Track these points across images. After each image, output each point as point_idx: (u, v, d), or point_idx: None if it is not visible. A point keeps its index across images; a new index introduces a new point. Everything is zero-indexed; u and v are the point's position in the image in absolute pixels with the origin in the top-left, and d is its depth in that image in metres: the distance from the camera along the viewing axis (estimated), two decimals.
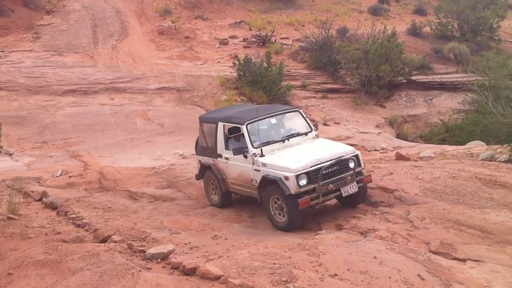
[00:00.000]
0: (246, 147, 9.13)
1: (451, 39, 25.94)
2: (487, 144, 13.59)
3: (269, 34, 24.13)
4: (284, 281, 6.00)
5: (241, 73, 19.00)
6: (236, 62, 19.22)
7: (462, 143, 15.69)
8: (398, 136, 18.38)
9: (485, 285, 6.29)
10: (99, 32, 23.67)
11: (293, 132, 9.70)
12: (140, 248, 7.01)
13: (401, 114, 20.37)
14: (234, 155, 9.26)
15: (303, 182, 8.50)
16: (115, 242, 7.40)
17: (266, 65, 18.73)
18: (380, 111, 19.96)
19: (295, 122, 9.95)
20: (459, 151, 12.91)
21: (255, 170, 9.04)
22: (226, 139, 9.83)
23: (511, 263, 6.80)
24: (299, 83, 20.37)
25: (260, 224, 9.03)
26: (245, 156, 9.14)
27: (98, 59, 20.84)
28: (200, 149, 10.49)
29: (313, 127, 9.87)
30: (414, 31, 26.29)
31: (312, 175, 8.57)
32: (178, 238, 8.00)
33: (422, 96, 21.60)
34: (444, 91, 22.21)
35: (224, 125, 9.82)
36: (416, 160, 11.91)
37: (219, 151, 9.81)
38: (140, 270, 6.26)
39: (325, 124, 16.80)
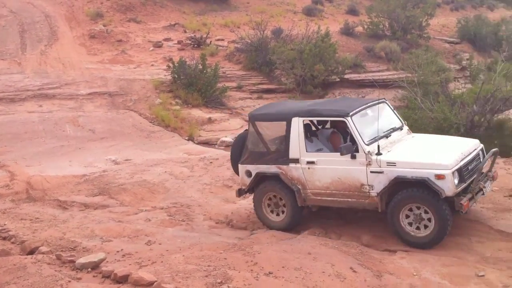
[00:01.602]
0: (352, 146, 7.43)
1: (382, 38, 26.62)
2: None
3: (204, 36, 24.00)
4: (219, 283, 5.96)
5: (176, 76, 18.77)
6: (171, 64, 18.99)
7: None
8: None
9: (414, 273, 6.45)
10: (27, 38, 22.79)
11: (392, 126, 8.08)
12: (69, 259, 6.75)
13: None
14: (342, 155, 7.36)
15: (456, 181, 6.96)
16: (43, 253, 7.09)
17: (201, 67, 18.60)
18: None
19: (385, 115, 8.26)
20: None
21: (371, 172, 7.31)
22: (307, 139, 8.02)
23: (439, 252, 7.00)
24: (234, 84, 20.33)
25: (196, 227, 8.90)
26: (353, 157, 7.43)
27: (26, 65, 20.06)
28: (252, 156, 8.41)
29: (403, 121, 8.50)
30: (347, 31, 26.83)
31: (463, 172, 7.10)
32: (110, 246, 7.76)
33: (355, 94, 22.01)
34: (376, 88, 22.69)
35: (303, 121, 7.97)
36: None
37: (293, 155, 7.91)
38: (69, 281, 6.05)
39: None
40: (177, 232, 8.54)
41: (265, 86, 20.87)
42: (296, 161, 7.90)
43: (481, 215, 8.02)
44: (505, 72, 17.79)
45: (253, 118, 8.46)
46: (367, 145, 7.35)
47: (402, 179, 7.09)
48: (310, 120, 8.52)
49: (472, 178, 7.20)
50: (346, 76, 22.19)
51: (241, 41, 22.49)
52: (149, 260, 6.86)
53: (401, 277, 6.35)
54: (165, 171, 11.65)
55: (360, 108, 7.82)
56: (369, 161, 7.30)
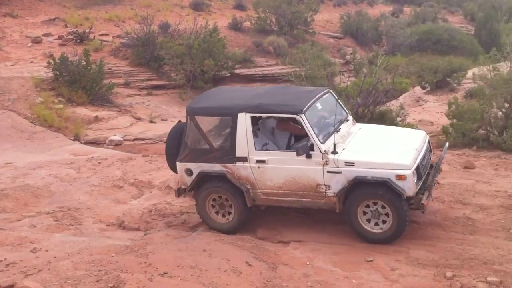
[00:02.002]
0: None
1: (270, 33, 27.07)
2: None
3: (87, 31, 22.99)
4: (111, 287, 5.75)
5: (58, 73, 17.76)
6: (51, 61, 17.96)
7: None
8: None
9: (308, 263, 6.60)
10: None
11: (338, 118, 7.65)
12: None
13: None
14: (299, 155, 6.95)
15: (415, 179, 6.83)
16: None
17: (85, 63, 17.76)
18: None
19: (330, 105, 7.83)
20: None
21: (328, 172, 7.00)
22: (255, 135, 7.47)
23: (331, 241, 7.22)
24: (122, 80, 19.70)
25: (85, 231, 8.49)
26: (309, 156, 7.02)
27: None
28: (192, 153, 7.71)
29: (347, 111, 8.24)
30: (235, 26, 26.98)
31: (420, 169, 7.00)
32: None
33: None
34: (266, 82, 23.07)
35: (251, 117, 7.33)
36: None
37: (240, 153, 7.37)
38: None
39: (151, 122, 16.48)
40: (65, 237, 8.08)
41: (154, 82, 20.46)
42: (243, 159, 7.37)
43: None
44: (385, 66, 18.77)
45: (192, 112, 7.71)
46: (322, 143, 7.01)
47: (362, 179, 6.87)
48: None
49: (426, 173, 7.24)
50: (237, 71, 22.34)
51: (126, 36, 21.81)
52: (35, 268, 6.51)
53: (295, 267, 6.47)
54: (50, 174, 11.01)
55: (311, 102, 7.38)
56: (326, 161, 6.97)
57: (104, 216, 8.97)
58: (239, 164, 7.42)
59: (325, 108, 7.69)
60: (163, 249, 6.93)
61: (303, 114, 7.06)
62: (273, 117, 7.94)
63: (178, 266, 6.35)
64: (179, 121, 8.59)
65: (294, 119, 7.44)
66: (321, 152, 6.97)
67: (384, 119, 12.76)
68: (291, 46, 25.63)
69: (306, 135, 7.20)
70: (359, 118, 13.26)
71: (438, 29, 33.33)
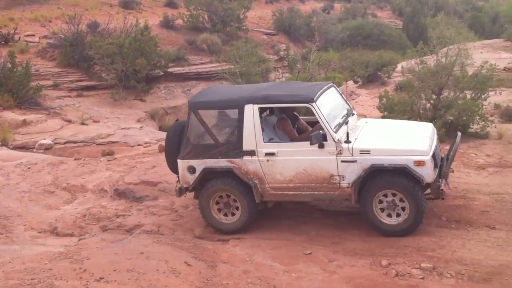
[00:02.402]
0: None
1: (203, 31, 26.95)
2: None
3: (12, 32, 22.06)
4: None
5: None
6: None
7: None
8: (161, 129, 18.43)
9: (247, 259, 6.59)
10: None
11: (345, 111, 7.55)
12: None
13: (162, 107, 20.48)
14: (312, 145, 6.71)
15: (433, 166, 6.65)
16: None
17: (10, 65, 17.01)
18: (141, 105, 19.77)
19: (334, 99, 7.68)
20: None
21: (342, 162, 6.77)
22: (267, 127, 7.27)
23: (270, 236, 7.24)
24: (50, 82, 19.04)
25: (16, 239, 8.12)
26: (321, 146, 6.77)
27: None
28: (195, 150, 7.38)
29: (350, 105, 8.03)
30: (167, 24, 26.66)
31: (436, 156, 6.87)
32: None
33: (180, 87, 22.04)
34: (201, 80, 22.95)
35: (258, 108, 7.09)
36: None
37: (247, 147, 7.08)
38: None
39: (83, 124, 15.98)
40: None
41: (84, 83, 19.88)
42: (251, 153, 7.08)
43: None
44: (318, 61, 19.05)
45: (195, 106, 7.39)
46: (335, 132, 6.83)
47: (378, 167, 6.66)
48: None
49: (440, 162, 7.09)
50: (170, 70, 22.07)
51: (54, 37, 21.11)
52: None
53: (234, 265, 6.44)
54: None
55: (320, 92, 7.18)
56: (340, 150, 6.76)
57: (35, 223, 8.64)
58: (246, 158, 7.14)
59: (330, 100, 7.49)
60: (99, 254, 6.72)
61: (315, 103, 6.88)
62: (281, 107, 7.69)
63: (114, 270, 6.17)
64: (177, 120, 8.36)
65: (293, 109, 7.47)
66: (334, 141, 6.77)
67: None
68: (225, 44, 25.59)
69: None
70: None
71: (368, 24, 34.25)
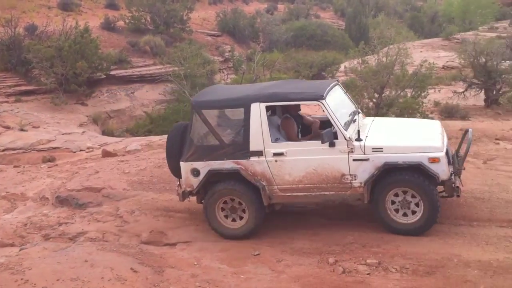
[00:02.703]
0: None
1: (146, 32, 26.52)
2: None
3: None
4: None
5: None
6: None
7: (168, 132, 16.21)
8: (104, 133, 18.04)
9: (195, 263, 6.52)
10: None
11: (351, 109, 7.39)
12: None
13: (105, 110, 20.01)
14: (324, 143, 6.52)
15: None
16: None
17: None
18: (82, 109, 19.24)
19: (340, 97, 7.47)
20: (164, 140, 13.25)
21: (354, 160, 6.60)
22: (271, 127, 6.98)
23: (218, 238, 7.19)
24: None
25: None
26: (332, 144, 6.59)
27: None
28: (199, 151, 7.09)
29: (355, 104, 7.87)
30: (108, 26, 26.09)
31: (448, 154, 6.76)
32: None
33: (123, 90, 21.62)
34: (144, 83, 22.60)
35: (265, 107, 6.85)
36: (123, 155, 11.79)
37: (254, 147, 6.83)
38: None
39: (22, 130, 15.40)
40: None
41: (23, 88, 19.14)
42: (259, 153, 6.82)
43: None
44: (262, 62, 19.17)
45: (199, 106, 7.06)
46: (346, 130, 6.65)
47: (392, 165, 6.49)
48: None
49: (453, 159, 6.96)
50: (112, 73, 21.60)
51: None
52: None
53: (182, 269, 6.35)
54: None
55: (328, 89, 6.94)
56: (351, 148, 6.58)
57: None
58: (253, 159, 6.87)
59: (337, 98, 7.28)
60: (41, 263, 6.48)
61: (324, 100, 6.66)
62: (286, 107, 7.48)
63: (58, 279, 5.98)
64: (177, 121, 8.04)
65: (296, 108, 7.39)
66: (345, 139, 6.59)
67: None
68: (168, 45, 25.33)
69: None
70: None
71: (311, 25, 34.76)
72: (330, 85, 7.17)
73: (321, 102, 6.65)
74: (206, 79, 20.24)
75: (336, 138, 6.58)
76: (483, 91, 16.82)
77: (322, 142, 6.54)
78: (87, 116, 18.84)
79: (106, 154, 12.03)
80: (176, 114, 18.00)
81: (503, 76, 16.29)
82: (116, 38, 25.43)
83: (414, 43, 27.79)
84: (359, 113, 7.47)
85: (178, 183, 7.54)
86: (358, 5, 39.04)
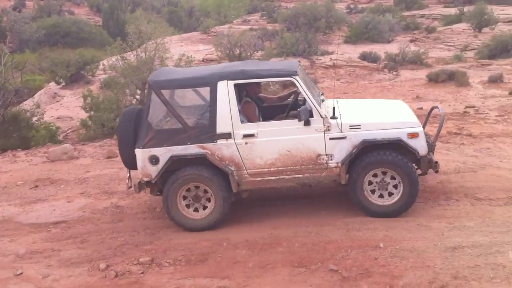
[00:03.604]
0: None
1: None
2: None
3: None
4: None
5: None
6: None
7: None
8: None
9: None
10: None
11: (317, 89, 7.11)
12: None
13: None
14: (301, 120, 6.14)
15: None
16: None
17: None
18: None
19: (305, 77, 6.97)
20: None
21: (330, 139, 6.24)
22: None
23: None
24: None
25: None
26: (307, 123, 6.17)
27: None
28: (159, 136, 6.34)
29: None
30: None
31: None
32: None
33: None
34: None
35: (234, 85, 6.29)
36: None
37: (222, 129, 6.28)
38: None
39: None
40: None
41: None
42: (227, 136, 6.31)
43: (9, 213, 7.73)
44: (11, 64, 17.59)
45: (158, 86, 6.36)
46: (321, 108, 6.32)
47: (371, 142, 6.24)
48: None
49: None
50: None
51: None
52: None
53: None
54: None
55: (298, 67, 6.68)
56: (328, 126, 6.26)
57: None
58: (221, 142, 6.35)
59: (304, 78, 6.84)
60: None
61: (298, 76, 6.32)
62: (250, 88, 7.00)
63: None
64: (127, 106, 6.47)
65: (256, 88, 7.02)
66: (321, 116, 6.28)
67: (18, 120, 11.99)
68: None
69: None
70: None
71: (66, 22, 33.15)
72: (297, 64, 6.97)
73: (295, 78, 6.38)
74: None
75: (312, 116, 6.33)
76: None
77: (299, 120, 6.26)
78: None
79: None
80: None
81: None
82: None
83: (174, 38, 28.43)
84: (322, 94, 7.29)
85: (128, 174, 6.91)
86: (114, 1, 38.39)
